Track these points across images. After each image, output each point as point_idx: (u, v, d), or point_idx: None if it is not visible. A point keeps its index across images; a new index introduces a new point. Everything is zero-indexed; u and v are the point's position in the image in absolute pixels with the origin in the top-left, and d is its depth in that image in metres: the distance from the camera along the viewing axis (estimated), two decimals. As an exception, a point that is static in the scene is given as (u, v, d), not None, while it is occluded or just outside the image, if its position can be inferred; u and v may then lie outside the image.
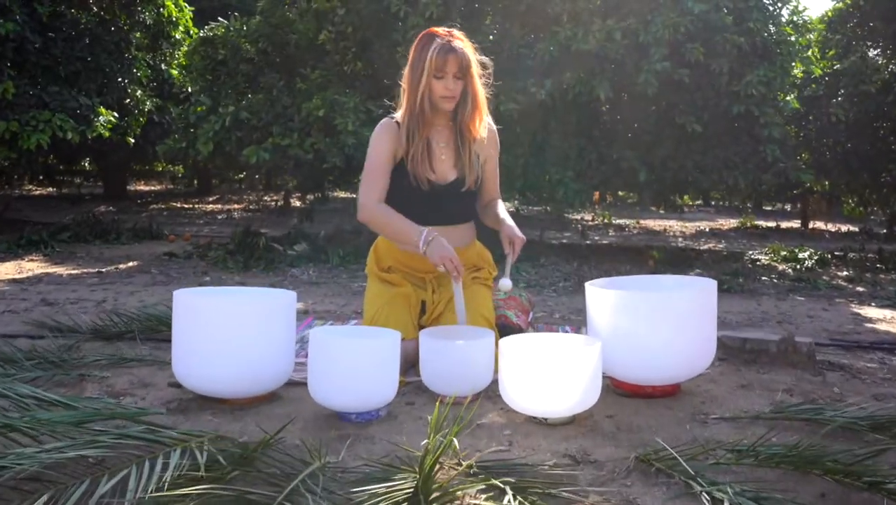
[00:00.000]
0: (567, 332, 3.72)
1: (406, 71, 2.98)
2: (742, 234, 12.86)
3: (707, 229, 13.51)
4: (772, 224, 14.46)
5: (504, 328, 3.16)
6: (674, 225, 14.02)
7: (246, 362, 2.49)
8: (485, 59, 3.03)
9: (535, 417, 2.42)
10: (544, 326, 3.93)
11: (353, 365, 2.34)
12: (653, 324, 2.53)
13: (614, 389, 2.73)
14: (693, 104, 7.12)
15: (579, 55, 6.75)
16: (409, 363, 2.90)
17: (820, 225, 14.66)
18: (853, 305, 5.89)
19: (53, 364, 3.01)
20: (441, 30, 2.95)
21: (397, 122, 3.03)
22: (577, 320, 4.72)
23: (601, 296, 2.61)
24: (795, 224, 14.88)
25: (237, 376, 2.50)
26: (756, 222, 14.45)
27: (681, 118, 7.01)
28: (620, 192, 10.72)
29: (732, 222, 14.85)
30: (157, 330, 3.71)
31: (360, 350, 2.36)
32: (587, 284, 2.70)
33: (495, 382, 2.63)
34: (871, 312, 5.61)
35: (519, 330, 3.22)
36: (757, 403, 2.69)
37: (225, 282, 6.26)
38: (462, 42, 2.92)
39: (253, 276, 6.65)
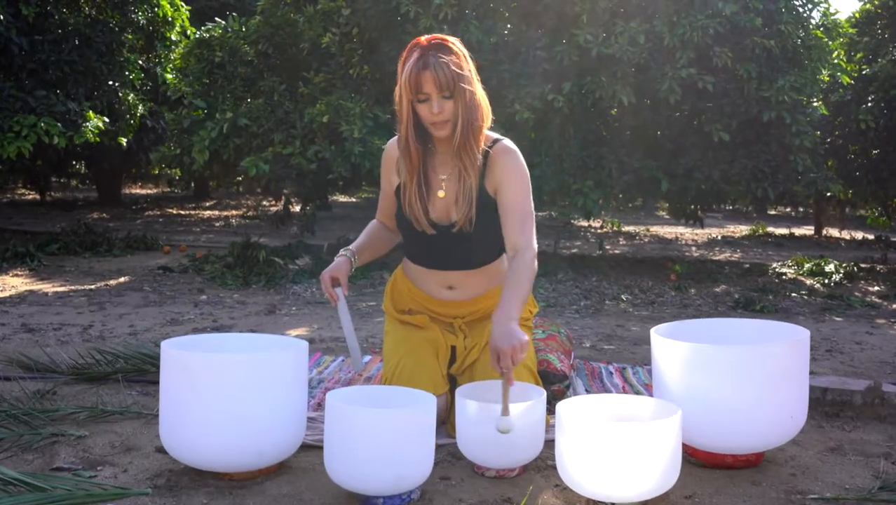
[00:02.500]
0: (612, 373, 3.29)
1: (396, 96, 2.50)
2: (756, 242, 12.48)
3: (719, 237, 13.12)
4: (785, 231, 14.07)
5: (546, 376, 2.73)
6: (685, 233, 13.61)
7: (248, 431, 2.06)
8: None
9: (599, 502, 1.99)
10: (583, 362, 3.50)
11: (380, 441, 1.90)
12: (738, 383, 2.10)
13: (686, 456, 2.30)
14: (720, 111, 6.71)
15: (600, 59, 6.33)
16: (440, 420, 2.47)
17: (833, 232, 14.26)
18: None
19: (22, 421, 2.57)
20: (424, 39, 2.42)
21: None
22: (611, 352, 4.30)
23: (673, 349, 2.18)
24: (808, 231, 14.49)
25: (237, 447, 2.07)
26: (768, 229, 14.05)
27: (707, 126, 6.59)
28: (612, 201, 10.30)
29: (743, 229, 14.45)
30: (145, 371, 3.27)
31: (387, 422, 1.93)
32: (654, 333, 2.27)
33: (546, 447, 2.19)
34: None
35: (563, 377, 2.79)
36: (857, 474, 2.27)
37: (223, 300, 5.84)
38: (445, 52, 2.36)
39: (252, 293, 6.23)
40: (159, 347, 3.35)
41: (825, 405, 2.75)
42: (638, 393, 2.99)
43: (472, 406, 2.12)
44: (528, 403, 2.13)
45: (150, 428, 2.59)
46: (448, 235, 2.51)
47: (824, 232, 13.96)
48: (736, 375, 2.11)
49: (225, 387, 2.05)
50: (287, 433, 2.13)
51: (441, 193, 2.51)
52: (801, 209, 18.22)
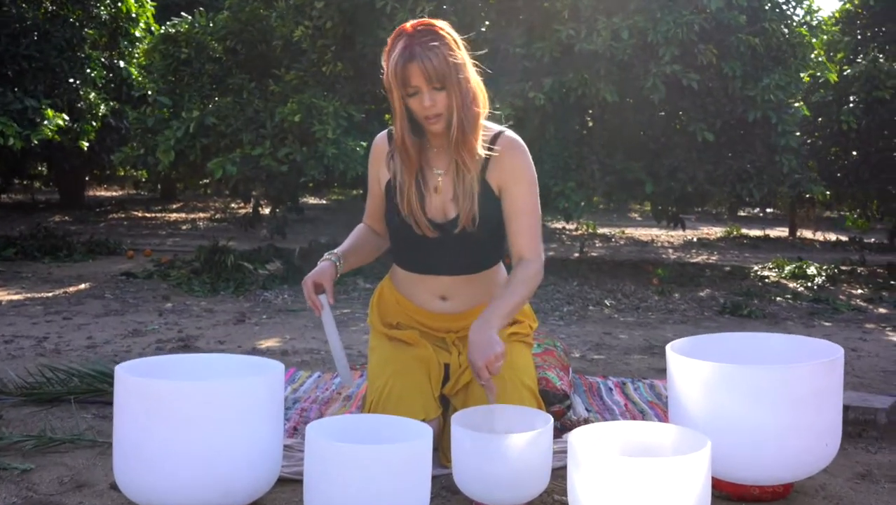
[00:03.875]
0: (611, 389, 3.06)
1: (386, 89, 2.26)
2: (731, 244, 12.36)
3: (694, 239, 12.98)
4: (759, 233, 13.97)
5: (545, 395, 2.49)
6: (660, 235, 13.46)
7: (215, 468, 1.80)
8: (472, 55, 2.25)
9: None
10: (579, 377, 3.26)
11: (369, 481, 1.65)
12: (769, 407, 1.88)
13: (707, 488, 2.07)
14: (704, 110, 6.52)
15: (582, 56, 6.12)
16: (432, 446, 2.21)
17: (807, 234, 14.19)
18: (890, 333, 5.39)
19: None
20: (409, 25, 2.17)
21: (392, 133, 2.36)
22: (603, 363, 4.08)
23: (694, 368, 1.95)
24: (782, 232, 14.42)
25: (203, 487, 1.81)
26: (743, 231, 13.94)
27: (692, 125, 6.40)
28: (595, 199, 10.09)
29: (717, 231, 14.33)
30: (102, 391, 2.98)
31: (377, 460, 1.67)
32: (670, 351, 2.04)
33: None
34: None
35: (564, 397, 2.55)
36: (893, 504, 2.05)
37: (189, 308, 5.55)
38: (433, 38, 2.12)
39: (221, 300, 5.94)
40: (118, 363, 3.08)
41: (847, 424, 2.52)
42: (643, 412, 2.77)
43: (470, 437, 1.87)
44: (534, 433, 1.88)
45: (105, 459, 2.32)
46: (447, 235, 2.27)
47: (798, 233, 13.89)
48: (767, 399, 1.88)
49: (188, 418, 1.79)
50: (260, 471, 1.87)
51: (437, 189, 2.28)
52: (771, 210, 18.15)
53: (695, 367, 1.95)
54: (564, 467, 2.27)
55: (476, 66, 2.24)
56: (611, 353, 4.42)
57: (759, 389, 1.89)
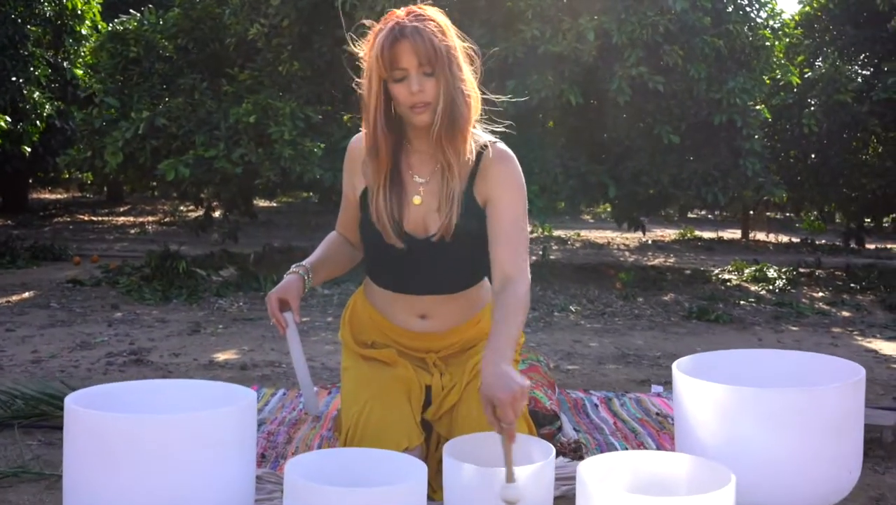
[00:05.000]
0: (597, 405, 2.90)
1: (363, 78, 2.05)
2: (686, 246, 12.40)
3: (650, 242, 12.98)
4: (713, 235, 14.03)
5: (534, 416, 2.32)
6: (615, 237, 13.43)
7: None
8: (471, 46, 2.04)
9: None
10: (562, 392, 3.10)
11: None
12: (790, 433, 1.73)
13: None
14: (669, 112, 6.43)
15: (547, 57, 5.99)
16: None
17: (760, 236, 14.29)
18: (858, 338, 5.43)
19: None
20: (399, 11, 1.97)
21: None
22: (578, 373, 3.94)
23: (706, 392, 1.80)
24: (734, 234, 14.50)
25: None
26: (696, 233, 13.98)
27: (657, 128, 6.30)
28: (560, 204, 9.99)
29: (671, 233, 14.36)
30: (48, 414, 2.74)
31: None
32: (677, 371, 1.88)
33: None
34: (884, 346, 5.10)
35: (554, 418, 2.39)
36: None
37: (140, 317, 5.29)
38: (425, 21, 1.92)
39: (173, 308, 5.69)
40: (65, 382, 2.84)
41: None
42: (634, 431, 2.62)
43: (467, 470, 1.69)
44: (536, 466, 1.71)
45: (53, 495, 2.10)
46: (423, 250, 2.07)
47: (751, 235, 13.98)
48: (789, 424, 1.74)
49: (150, 456, 1.58)
50: (231, 512, 1.67)
51: (417, 200, 2.06)
52: (718, 213, 18.22)
53: (708, 390, 1.80)
54: (562, 497, 2.12)
55: (474, 71, 2.04)
56: (584, 362, 4.28)
57: (782, 414, 1.74)
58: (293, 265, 2.15)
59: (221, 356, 4.21)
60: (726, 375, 2.00)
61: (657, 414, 2.78)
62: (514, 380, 1.70)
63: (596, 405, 2.89)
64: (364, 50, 2.01)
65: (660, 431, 2.57)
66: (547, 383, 2.55)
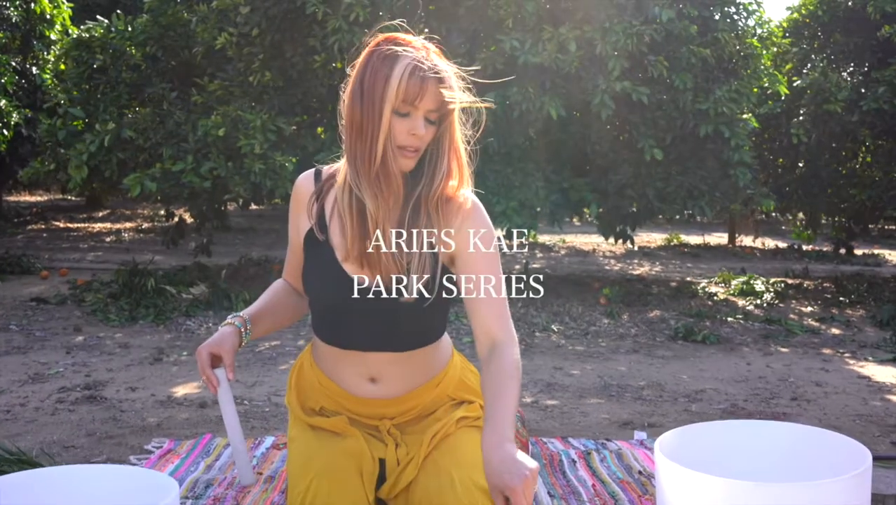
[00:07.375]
0: (574, 461, 2.68)
1: (347, 98, 1.82)
2: (672, 253, 12.22)
3: (636, 248, 12.79)
4: (699, 240, 13.86)
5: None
6: (600, 244, 13.24)
7: None
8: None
9: None
10: (537, 443, 2.88)
11: None
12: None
13: None
14: (654, 124, 6.23)
15: (527, 68, 5.77)
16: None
17: (747, 241, 14.15)
18: (850, 361, 5.26)
19: None
20: (407, 38, 1.77)
21: (320, 173, 1.94)
22: (557, 411, 3.73)
23: (696, 483, 1.58)
24: (721, 239, 14.35)
25: None
26: (682, 238, 13.81)
27: (641, 141, 6.09)
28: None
29: (657, 238, 14.18)
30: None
31: None
32: (659, 454, 1.67)
33: None
34: (876, 371, 4.93)
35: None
36: None
37: (102, 342, 5.06)
38: (449, 69, 1.75)
39: (139, 330, 5.47)
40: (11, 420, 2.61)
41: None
42: (614, 495, 2.40)
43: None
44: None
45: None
46: (380, 302, 1.85)
47: (738, 240, 13.83)
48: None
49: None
50: None
51: (379, 246, 1.83)
52: (691, 215, 18.12)
53: (695, 481, 1.59)
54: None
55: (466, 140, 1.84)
56: (564, 395, 4.07)
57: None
58: (230, 315, 1.93)
59: (181, 391, 3.98)
60: (714, 451, 1.79)
61: (639, 473, 2.57)
62: (523, 464, 1.52)
63: (574, 461, 2.66)
64: (356, 70, 1.78)
65: (641, 498, 2.35)
66: (520, 442, 2.34)
